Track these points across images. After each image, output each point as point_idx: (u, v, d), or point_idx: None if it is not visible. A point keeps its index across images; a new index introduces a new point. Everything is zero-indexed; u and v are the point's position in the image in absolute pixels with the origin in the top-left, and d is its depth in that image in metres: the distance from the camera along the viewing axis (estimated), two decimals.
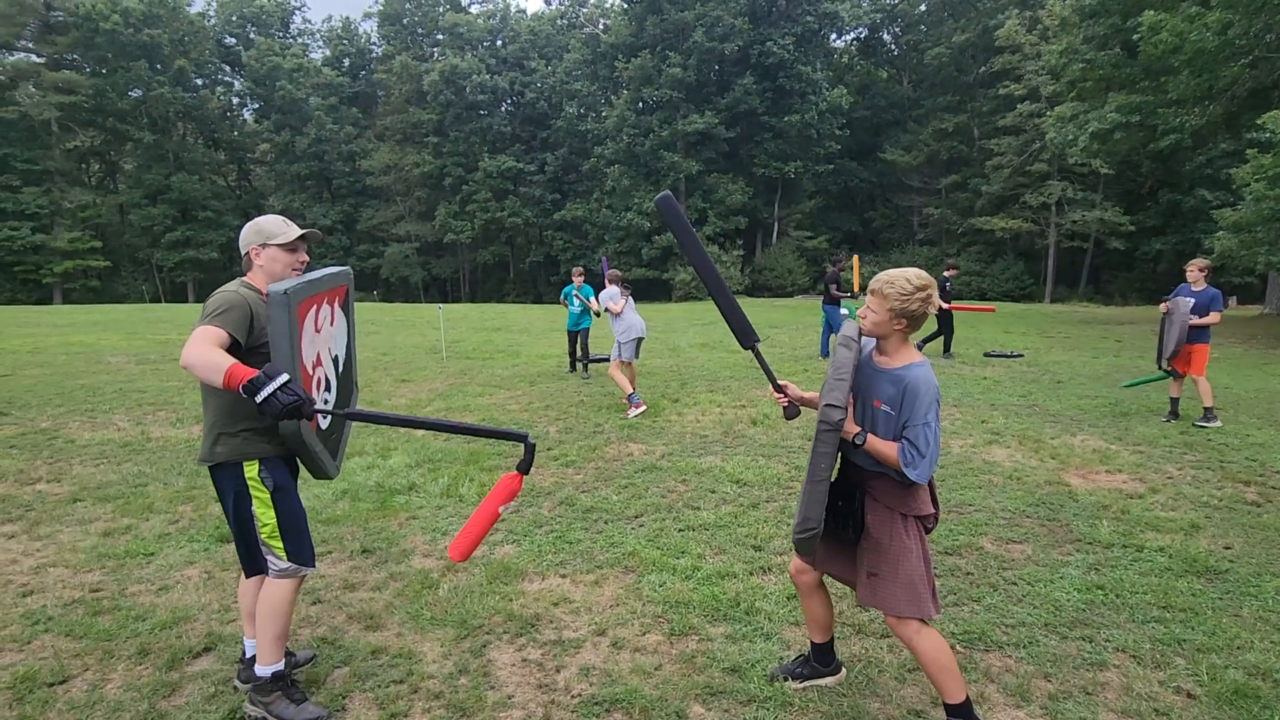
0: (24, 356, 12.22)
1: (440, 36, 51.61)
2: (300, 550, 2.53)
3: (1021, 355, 12.21)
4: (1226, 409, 7.58)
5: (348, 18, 55.13)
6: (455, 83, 46.54)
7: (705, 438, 6.55)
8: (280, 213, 49.80)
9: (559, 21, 52.47)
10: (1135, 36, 16.78)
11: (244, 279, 2.52)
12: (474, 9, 53.81)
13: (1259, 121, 13.87)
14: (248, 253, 2.51)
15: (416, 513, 4.59)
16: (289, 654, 2.68)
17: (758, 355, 2.57)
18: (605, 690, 2.66)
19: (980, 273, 37.99)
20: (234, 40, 52.56)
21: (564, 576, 3.65)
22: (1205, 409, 6.82)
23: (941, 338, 11.97)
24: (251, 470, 2.46)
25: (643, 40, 41.55)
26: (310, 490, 4.97)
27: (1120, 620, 3.13)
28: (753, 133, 41.61)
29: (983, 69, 38.78)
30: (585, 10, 52.40)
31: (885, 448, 2.24)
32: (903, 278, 2.27)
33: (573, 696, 2.64)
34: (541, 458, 5.85)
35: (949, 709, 2.34)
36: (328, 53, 54.34)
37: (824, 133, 41.69)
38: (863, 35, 48.96)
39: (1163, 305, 6.90)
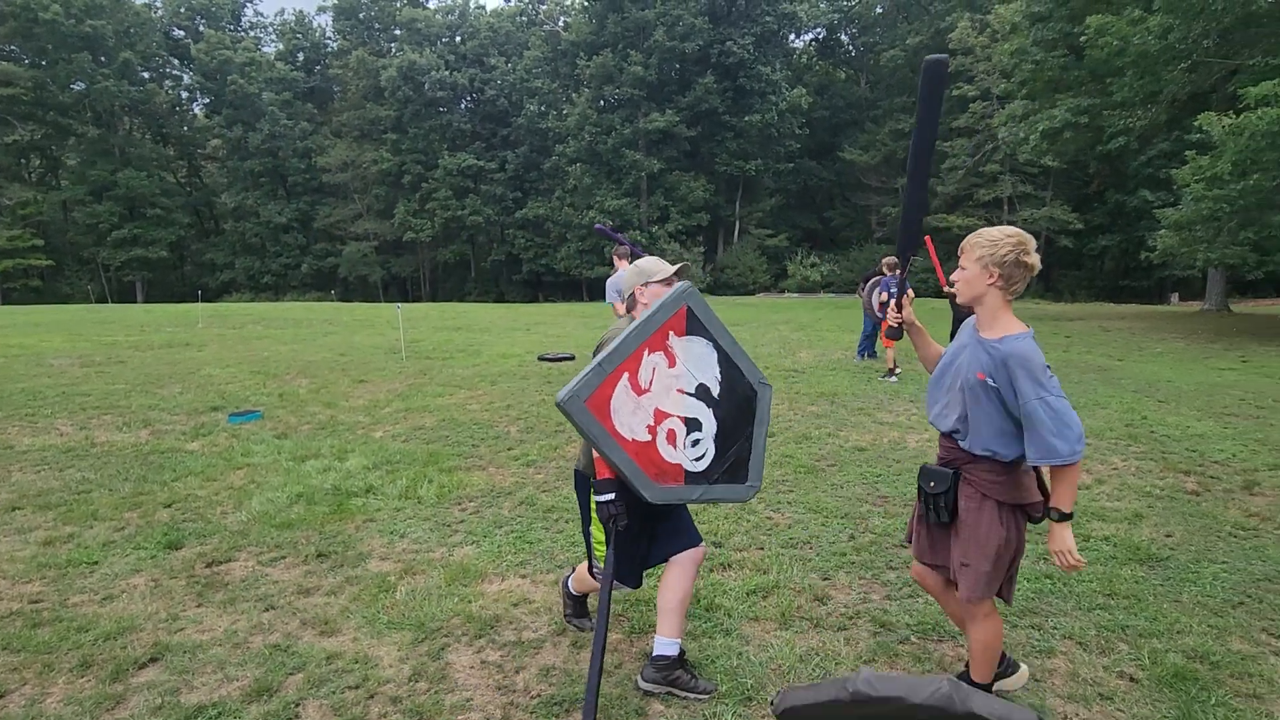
0: None
1: (398, 31, 50.85)
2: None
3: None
4: (1169, 401, 7.85)
5: (302, 11, 54.27)
6: (413, 79, 45.91)
7: None
8: (233, 210, 48.80)
9: (519, 18, 52.10)
10: (1082, 39, 17.28)
11: (629, 318, 2.71)
12: (432, 4, 53.16)
13: (1196, 123, 14.39)
14: (633, 293, 2.71)
15: (374, 515, 4.52)
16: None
17: (906, 268, 2.56)
18: (565, 690, 2.65)
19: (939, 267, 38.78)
20: (182, 33, 51.14)
21: (524, 577, 3.63)
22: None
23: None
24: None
25: (604, 38, 41.53)
26: (264, 495, 4.86)
27: (1067, 608, 3.22)
28: (714, 131, 41.87)
29: None
30: (545, 7, 52.12)
31: (1066, 488, 2.10)
32: (991, 229, 2.16)
33: (532, 698, 2.63)
34: (502, 457, 5.81)
35: (971, 683, 2.36)
36: (281, 47, 53.20)
37: (784, 132, 42.17)
38: (821, 36, 49.63)
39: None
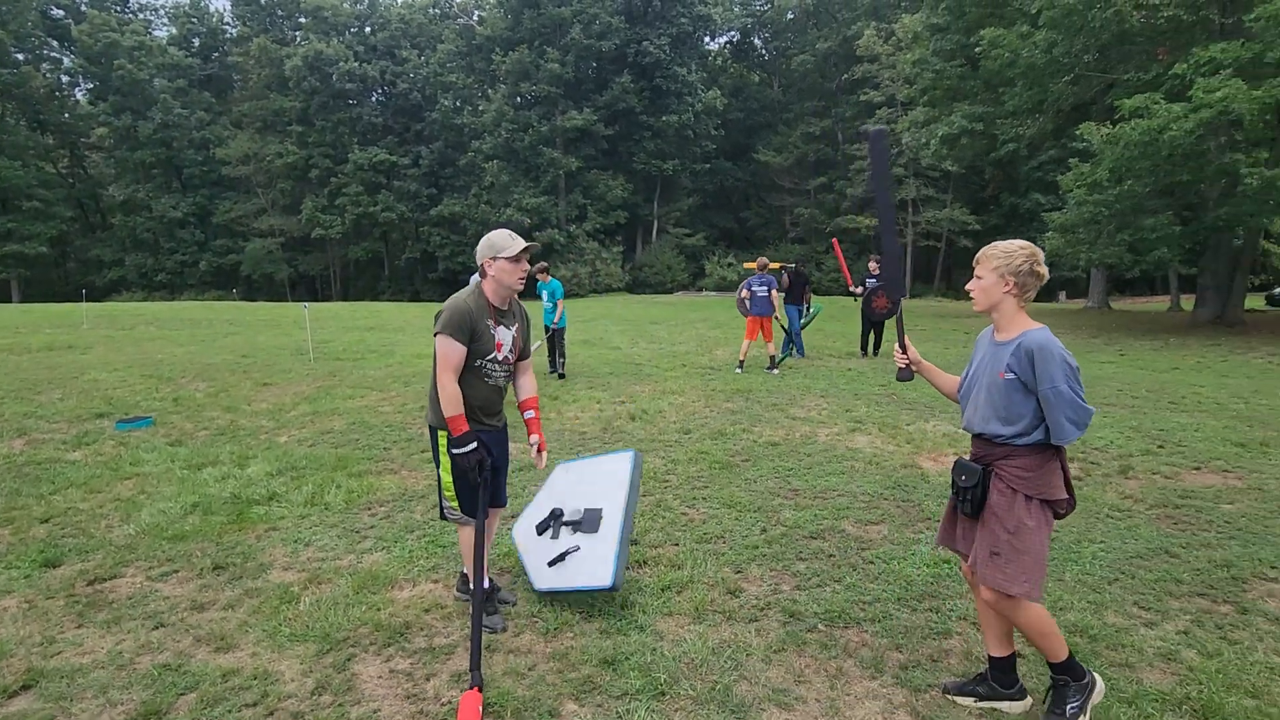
0: None
1: (303, 20, 48.76)
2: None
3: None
4: None
5: None
6: (320, 69, 44.12)
7: (584, 434, 6.55)
8: (122, 204, 45.70)
9: (431, 10, 50.85)
10: (977, 50, 18.23)
11: (478, 286, 3.03)
12: None
13: (1078, 132, 15.41)
14: (482, 264, 2.99)
15: (277, 524, 4.33)
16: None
17: (898, 309, 2.72)
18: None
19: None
20: (62, 13, 47.47)
21: (436, 582, 3.55)
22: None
23: (873, 335, 11.84)
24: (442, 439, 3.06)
25: (520, 34, 41.06)
26: (155, 506, 4.58)
27: (963, 591, 3.39)
28: (631, 131, 42.06)
29: (845, 76, 40.96)
30: (459, 1, 51.06)
31: None
32: (1005, 242, 2.33)
33: (442, 704, 2.57)
34: (415, 460, 5.67)
35: (1053, 666, 2.42)
36: (174, 31, 50.09)
37: (700, 133, 42.75)
38: (735, 39, 50.52)
39: None
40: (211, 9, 51.50)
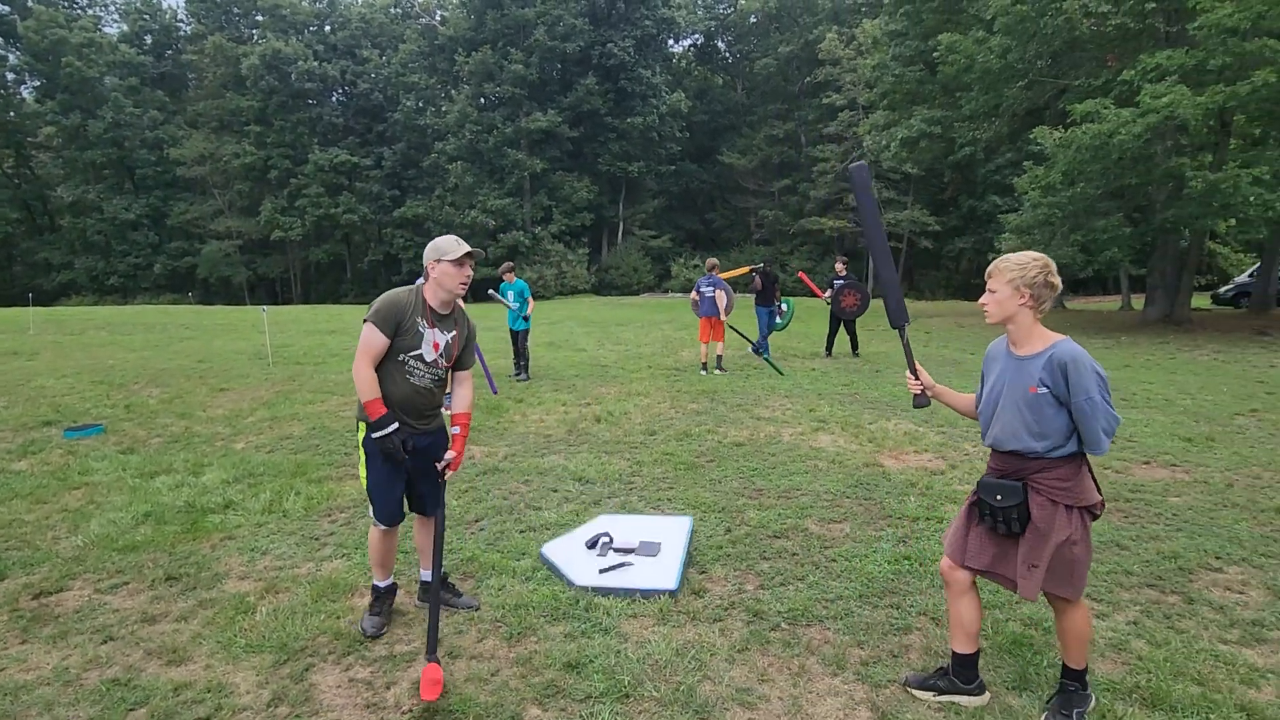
0: None
1: (260, 18, 47.71)
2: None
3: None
4: None
5: None
6: (279, 68, 43.21)
7: (549, 437, 6.52)
8: (71, 205, 44.27)
9: (393, 10, 50.16)
10: (935, 55, 18.57)
11: (419, 285, 3.08)
12: None
13: (1032, 136, 15.79)
14: (426, 266, 3.04)
15: (233, 532, 4.23)
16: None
17: (904, 337, 2.72)
18: (438, 702, 2.57)
19: (811, 270, 40.59)
20: (7, 8, 45.80)
21: (398, 587, 3.49)
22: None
23: (848, 337, 11.93)
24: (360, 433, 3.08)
25: (483, 35, 40.74)
26: (105, 516, 4.45)
27: (923, 587, 3.45)
28: (596, 132, 41.98)
29: (807, 79, 41.39)
30: (420, 0, 50.50)
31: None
32: (1017, 254, 2.33)
33: (403, 713, 2.54)
34: None
35: (1070, 671, 2.44)
36: (125, 28, 48.64)
37: (665, 135, 42.83)
38: (699, 42, 50.74)
39: None
40: (165, 5, 50.11)
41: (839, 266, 11.74)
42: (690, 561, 3.72)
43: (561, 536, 3.96)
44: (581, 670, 2.76)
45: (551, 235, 40.98)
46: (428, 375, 3.05)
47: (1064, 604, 2.39)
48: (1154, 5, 14.25)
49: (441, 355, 3.07)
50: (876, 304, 27.57)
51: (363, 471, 3.07)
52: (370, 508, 3.12)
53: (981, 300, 2.43)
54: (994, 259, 2.44)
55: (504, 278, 9.66)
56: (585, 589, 3.38)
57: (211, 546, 4.03)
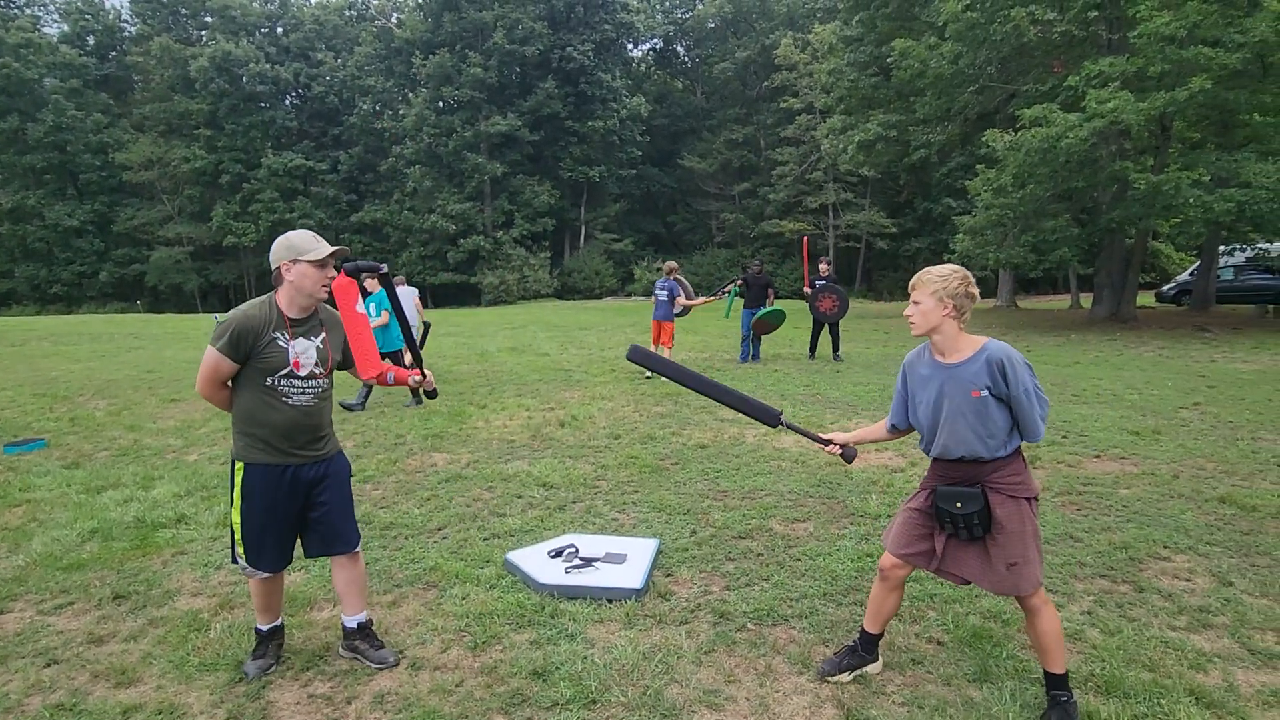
0: None
1: (209, 19, 46.58)
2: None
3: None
4: None
5: None
6: (229, 70, 42.22)
7: (513, 443, 6.47)
8: (10, 212, 42.62)
9: (347, 12, 49.43)
10: (889, 61, 18.92)
11: (270, 295, 2.65)
12: None
13: (984, 140, 16.18)
14: (278, 268, 2.59)
15: (185, 547, 4.10)
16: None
17: (791, 427, 2.87)
18: (401, 716, 2.52)
19: (772, 273, 41.00)
20: None
21: None
22: None
23: (830, 339, 11.76)
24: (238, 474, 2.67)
25: (440, 38, 40.38)
26: (48, 534, 4.28)
27: None
28: (557, 136, 41.88)
29: (765, 84, 41.85)
30: (376, 2, 49.83)
31: None
32: (937, 267, 2.42)
33: None
34: None
35: (1054, 679, 2.43)
36: (66, 29, 47.05)
37: (626, 139, 42.92)
38: (658, 46, 50.95)
39: None
40: (108, 5, 48.61)
41: (823, 267, 11.70)
42: (657, 564, 3.71)
43: (526, 547, 3.93)
44: (548, 677, 2.73)
45: (513, 239, 40.75)
46: (308, 392, 2.67)
47: (1034, 605, 2.41)
48: (1097, 14, 14.73)
49: (317, 365, 2.68)
50: (855, 307, 27.69)
51: (236, 517, 2.67)
52: (243, 558, 2.70)
53: (907, 312, 2.46)
54: (947, 259, 2.51)
55: (367, 285, 7.99)
56: (551, 591, 3.36)
57: (163, 563, 3.90)
